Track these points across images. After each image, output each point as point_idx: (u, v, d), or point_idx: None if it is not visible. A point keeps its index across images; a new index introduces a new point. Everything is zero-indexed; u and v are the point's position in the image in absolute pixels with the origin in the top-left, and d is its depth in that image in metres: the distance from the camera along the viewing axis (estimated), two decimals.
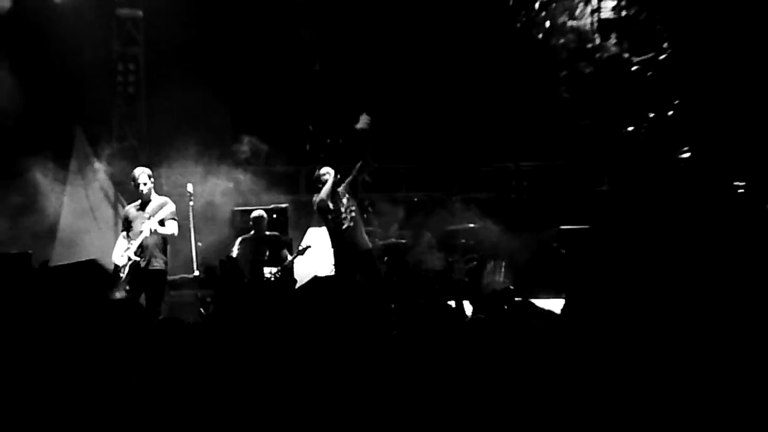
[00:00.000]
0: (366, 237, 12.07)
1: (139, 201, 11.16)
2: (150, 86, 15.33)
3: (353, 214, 11.85)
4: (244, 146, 14.95)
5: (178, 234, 11.25)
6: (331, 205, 11.71)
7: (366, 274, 11.76)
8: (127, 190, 12.36)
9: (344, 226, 11.78)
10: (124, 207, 12.19)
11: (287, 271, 13.02)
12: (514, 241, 14.16)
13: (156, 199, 11.22)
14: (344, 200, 11.79)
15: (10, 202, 13.84)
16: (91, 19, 14.65)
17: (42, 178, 14.11)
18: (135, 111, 15.22)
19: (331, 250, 12.62)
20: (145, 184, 11.09)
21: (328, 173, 11.97)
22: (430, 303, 10.36)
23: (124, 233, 11.19)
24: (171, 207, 11.21)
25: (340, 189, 11.79)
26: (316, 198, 12.06)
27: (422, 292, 11.49)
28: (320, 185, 11.94)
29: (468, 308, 8.61)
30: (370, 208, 13.98)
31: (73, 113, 14.71)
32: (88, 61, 14.78)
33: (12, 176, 13.96)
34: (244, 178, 15.12)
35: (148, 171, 11.37)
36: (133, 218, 11.17)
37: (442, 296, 11.22)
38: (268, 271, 12.69)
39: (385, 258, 13.55)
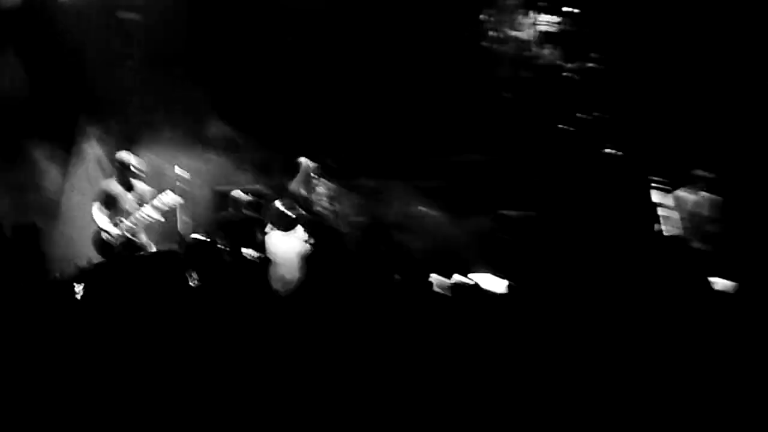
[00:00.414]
0: (334, 221, 12.96)
1: (123, 181, 12.08)
2: (145, 81, 15.81)
3: (326, 203, 13.04)
4: (219, 132, 15.69)
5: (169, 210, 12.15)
6: (303, 192, 12.99)
7: (335, 251, 12.37)
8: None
9: (312, 210, 12.87)
10: None
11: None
12: (458, 226, 14.80)
13: (138, 183, 12.21)
14: (318, 189, 13.09)
15: (18, 179, 14.70)
16: (93, 18, 15.40)
17: (47, 159, 14.86)
18: (132, 102, 15.73)
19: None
20: (133, 167, 12.08)
21: (303, 163, 13.16)
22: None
23: (101, 205, 12.04)
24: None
25: (315, 179, 13.00)
26: (290, 185, 13.16)
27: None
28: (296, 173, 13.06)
29: None
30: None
31: (76, 103, 15.31)
32: (91, 56, 15.42)
33: (19, 157, 14.76)
34: (224, 162, 15.84)
35: (134, 157, 12.31)
36: (117, 195, 12.14)
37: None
38: (251, 254, 12.82)
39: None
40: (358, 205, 14.50)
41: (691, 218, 13.23)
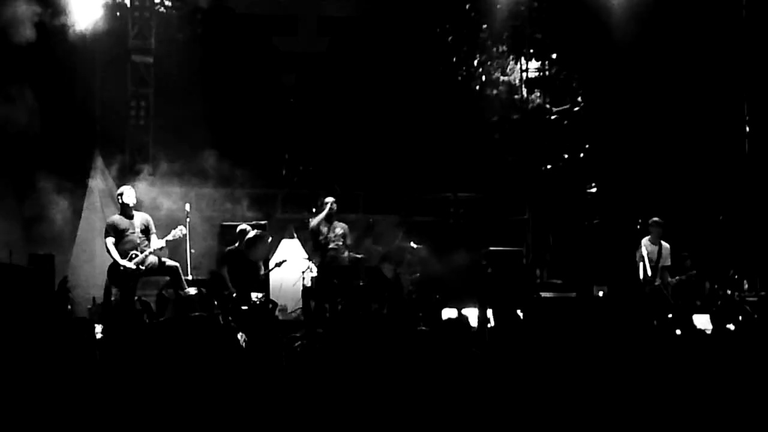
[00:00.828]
0: (346, 255, 13.42)
1: (124, 213, 12.13)
2: (157, 119, 16.29)
3: (341, 241, 13.38)
4: (225, 169, 15.84)
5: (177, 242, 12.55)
6: (323, 230, 13.33)
7: (345, 284, 13.07)
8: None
9: (329, 247, 13.33)
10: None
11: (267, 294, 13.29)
12: (449, 259, 15.19)
13: (138, 214, 12.32)
14: (337, 229, 13.37)
15: (31, 211, 14.92)
16: (108, 60, 16.07)
17: (59, 192, 14.80)
18: (145, 140, 16.15)
19: (304, 261, 14.28)
20: (133, 200, 12.20)
21: (328, 202, 13.42)
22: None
23: (113, 240, 12.02)
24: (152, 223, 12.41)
25: (334, 218, 13.36)
26: (312, 221, 13.65)
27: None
28: (319, 210, 13.57)
29: None
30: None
31: (91, 139, 15.80)
32: (105, 96, 16.08)
33: (32, 189, 14.85)
34: (230, 198, 16.55)
35: (133, 190, 12.45)
36: (123, 228, 12.11)
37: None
38: (255, 296, 12.79)
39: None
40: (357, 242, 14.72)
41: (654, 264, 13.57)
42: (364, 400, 5.40)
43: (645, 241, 13.63)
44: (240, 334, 7.42)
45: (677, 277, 13.96)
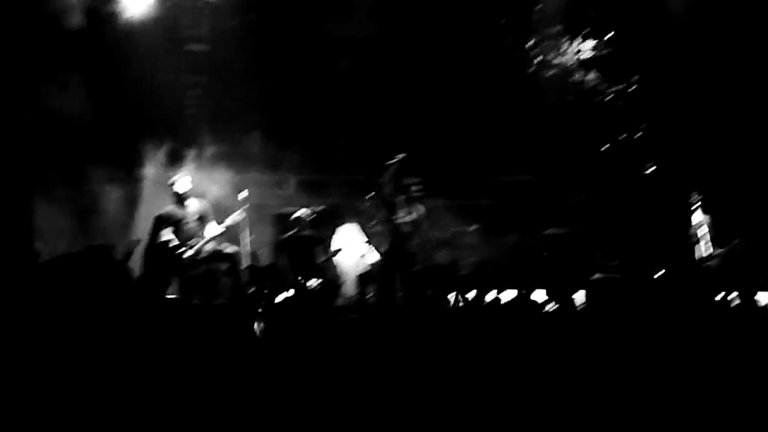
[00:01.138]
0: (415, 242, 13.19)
1: (179, 203, 12.32)
2: (213, 107, 16.38)
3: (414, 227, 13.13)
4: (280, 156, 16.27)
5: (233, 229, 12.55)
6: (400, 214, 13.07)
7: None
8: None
9: (402, 231, 13.07)
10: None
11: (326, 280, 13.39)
12: (506, 243, 15.40)
13: (193, 201, 12.43)
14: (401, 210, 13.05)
15: (101, 203, 15.09)
16: (162, 51, 15.95)
17: (116, 183, 15.23)
18: (200, 128, 16.03)
19: (363, 245, 14.35)
20: (186, 189, 12.41)
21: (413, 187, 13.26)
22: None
23: (171, 228, 12.17)
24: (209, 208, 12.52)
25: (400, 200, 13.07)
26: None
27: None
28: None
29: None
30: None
31: (144, 128, 15.64)
32: (159, 85, 15.95)
33: (85, 179, 15.05)
34: (283, 184, 16.75)
35: (187, 178, 12.64)
36: (178, 219, 12.29)
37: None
38: (312, 281, 12.97)
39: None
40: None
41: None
42: (409, 381, 5.40)
43: (697, 217, 13.60)
44: (257, 323, 7.36)
45: (722, 250, 13.64)
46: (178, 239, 12.18)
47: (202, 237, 12.28)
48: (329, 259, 13.73)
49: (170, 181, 12.77)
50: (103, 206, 15.18)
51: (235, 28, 16.39)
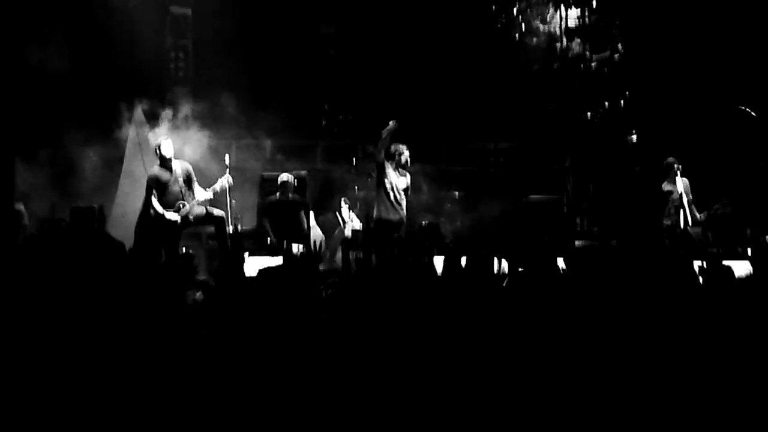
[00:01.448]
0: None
1: (164, 165, 12.07)
2: (196, 70, 16.68)
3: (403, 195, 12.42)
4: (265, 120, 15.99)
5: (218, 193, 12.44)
6: (393, 180, 12.34)
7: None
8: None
9: (392, 199, 12.33)
10: None
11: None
12: (488, 208, 15.35)
13: (177, 162, 12.23)
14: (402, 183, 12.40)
15: (81, 163, 14.93)
16: (146, 13, 15.83)
17: (95, 146, 14.95)
18: (184, 91, 16.28)
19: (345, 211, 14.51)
20: (171, 152, 12.13)
21: (401, 152, 12.45)
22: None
23: (155, 191, 11.99)
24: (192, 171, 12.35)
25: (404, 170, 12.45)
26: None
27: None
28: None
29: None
30: None
31: (127, 90, 15.47)
32: (145, 48, 15.94)
33: (73, 144, 14.85)
34: (268, 148, 16.76)
35: (170, 141, 12.39)
36: (165, 180, 12.06)
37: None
38: (296, 248, 12.74)
39: None
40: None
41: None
42: (387, 347, 5.37)
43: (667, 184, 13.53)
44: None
45: (705, 212, 13.54)
46: (166, 202, 12.09)
47: (190, 199, 12.21)
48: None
49: (155, 144, 12.58)
50: (82, 166, 15.07)
51: None
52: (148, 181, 12.34)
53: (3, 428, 4.89)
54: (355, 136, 16.31)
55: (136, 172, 14.86)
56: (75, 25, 15.47)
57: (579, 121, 16.72)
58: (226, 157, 13.17)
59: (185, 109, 15.26)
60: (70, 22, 15.42)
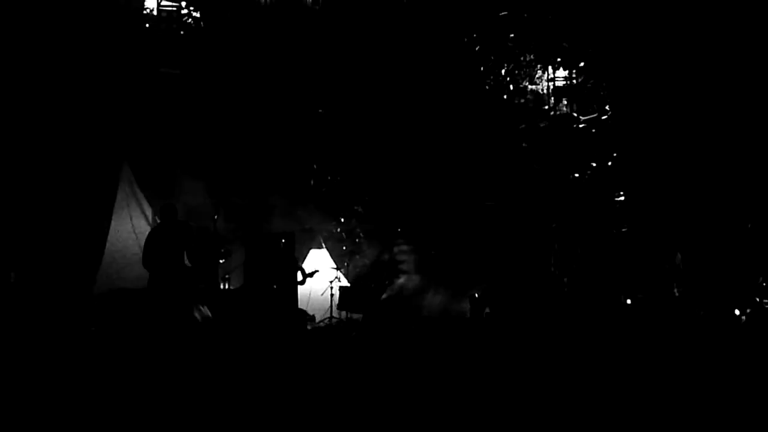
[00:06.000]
0: None
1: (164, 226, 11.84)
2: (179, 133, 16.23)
3: None
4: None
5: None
6: None
7: None
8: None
9: None
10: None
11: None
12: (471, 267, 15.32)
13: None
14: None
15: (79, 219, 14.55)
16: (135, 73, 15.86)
17: (92, 204, 14.67)
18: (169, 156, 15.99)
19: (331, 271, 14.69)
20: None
21: None
22: None
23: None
24: None
25: None
26: None
27: None
28: None
29: None
30: None
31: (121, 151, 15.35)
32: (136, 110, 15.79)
33: (68, 197, 14.55)
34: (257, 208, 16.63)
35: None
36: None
37: None
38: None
39: None
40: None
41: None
42: None
43: None
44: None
45: None
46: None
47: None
48: (304, 281, 14.15)
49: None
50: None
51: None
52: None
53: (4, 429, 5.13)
54: (344, 195, 16.23)
55: (125, 224, 15.06)
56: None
57: (566, 181, 16.71)
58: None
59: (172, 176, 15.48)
60: None
